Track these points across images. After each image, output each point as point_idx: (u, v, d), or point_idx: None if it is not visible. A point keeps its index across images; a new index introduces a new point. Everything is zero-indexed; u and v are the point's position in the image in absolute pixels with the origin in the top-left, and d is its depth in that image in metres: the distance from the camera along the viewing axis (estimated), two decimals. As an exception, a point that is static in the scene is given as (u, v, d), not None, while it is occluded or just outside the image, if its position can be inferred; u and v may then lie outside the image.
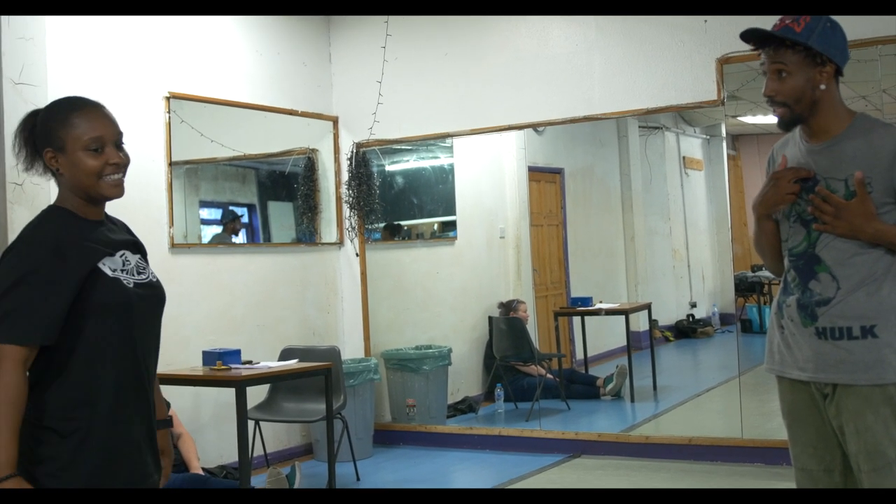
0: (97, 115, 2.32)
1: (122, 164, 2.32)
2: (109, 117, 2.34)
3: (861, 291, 2.54)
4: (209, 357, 5.31)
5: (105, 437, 2.25)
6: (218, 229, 6.49)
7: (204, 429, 5.92)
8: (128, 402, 2.31)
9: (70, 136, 2.27)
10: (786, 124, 2.65)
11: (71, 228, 2.28)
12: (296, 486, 5.46)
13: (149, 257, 2.50)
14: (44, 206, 3.38)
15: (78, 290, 2.22)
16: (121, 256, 2.35)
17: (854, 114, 2.64)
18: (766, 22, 2.66)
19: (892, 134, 2.56)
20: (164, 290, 2.45)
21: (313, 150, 7.10)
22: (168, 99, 5.85)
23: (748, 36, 2.63)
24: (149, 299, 2.37)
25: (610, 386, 7.65)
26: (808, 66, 2.56)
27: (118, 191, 2.33)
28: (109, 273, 2.29)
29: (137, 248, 2.44)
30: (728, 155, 9.16)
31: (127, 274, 2.33)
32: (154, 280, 2.42)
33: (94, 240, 2.31)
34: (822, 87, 2.57)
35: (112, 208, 2.44)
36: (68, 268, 2.22)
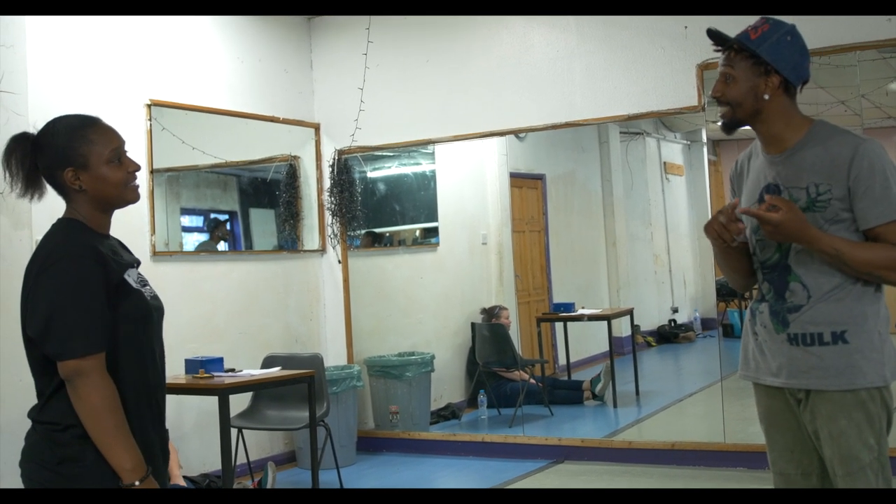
0: (106, 128, 2.38)
1: (138, 169, 2.41)
2: (114, 128, 2.41)
3: (831, 298, 2.55)
4: (192, 365, 5.30)
5: None
6: (202, 237, 6.47)
7: (187, 437, 5.89)
8: (145, 409, 2.36)
9: (92, 152, 2.32)
10: (726, 126, 2.68)
11: (95, 240, 2.33)
12: (269, 486, 5.45)
13: None
14: (25, 215, 3.35)
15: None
16: (134, 269, 2.42)
17: (811, 121, 2.63)
18: (747, 23, 2.67)
19: (849, 141, 2.55)
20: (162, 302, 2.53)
21: (295, 157, 7.09)
22: (149, 106, 5.83)
23: (710, 36, 2.66)
24: (158, 311, 2.45)
25: (599, 385, 7.64)
26: (754, 75, 2.57)
27: (138, 195, 2.42)
28: (134, 285, 2.36)
29: (137, 263, 2.50)
30: (709, 160, 9.25)
31: (141, 286, 2.40)
32: (155, 293, 2.48)
33: (113, 252, 2.37)
34: (766, 97, 2.57)
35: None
36: (107, 277, 2.27)
